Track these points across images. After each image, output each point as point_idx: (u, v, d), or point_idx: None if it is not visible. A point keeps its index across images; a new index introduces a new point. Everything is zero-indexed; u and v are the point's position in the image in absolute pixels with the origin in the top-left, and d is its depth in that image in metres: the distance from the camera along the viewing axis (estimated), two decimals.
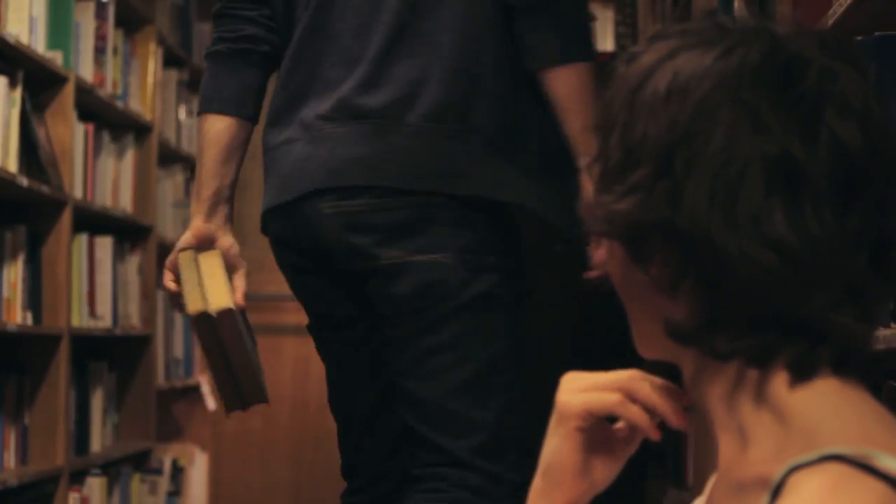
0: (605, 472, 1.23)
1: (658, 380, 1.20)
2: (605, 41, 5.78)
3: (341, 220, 2.39)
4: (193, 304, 2.48)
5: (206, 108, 2.62)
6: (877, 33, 1.63)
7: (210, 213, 2.61)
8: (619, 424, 1.23)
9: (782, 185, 1.05)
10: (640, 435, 1.23)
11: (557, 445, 1.22)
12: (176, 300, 2.60)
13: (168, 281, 2.58)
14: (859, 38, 1.66)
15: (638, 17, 4.76)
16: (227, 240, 2.65)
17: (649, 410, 1.19)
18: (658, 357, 1.18)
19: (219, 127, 2.61)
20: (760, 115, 1.06)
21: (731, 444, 1.11)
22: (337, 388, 2.63)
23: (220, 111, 2.60)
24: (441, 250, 2.37)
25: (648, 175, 1.08)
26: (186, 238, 2.59)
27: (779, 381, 1.08)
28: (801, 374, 1.08)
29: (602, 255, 1.18)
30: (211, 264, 2.58)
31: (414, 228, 2.37)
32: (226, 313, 2.48)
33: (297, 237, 2.56)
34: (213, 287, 2.54)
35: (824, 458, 1.00)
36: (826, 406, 1.07)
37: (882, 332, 1.51)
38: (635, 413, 1.19)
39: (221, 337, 2.50)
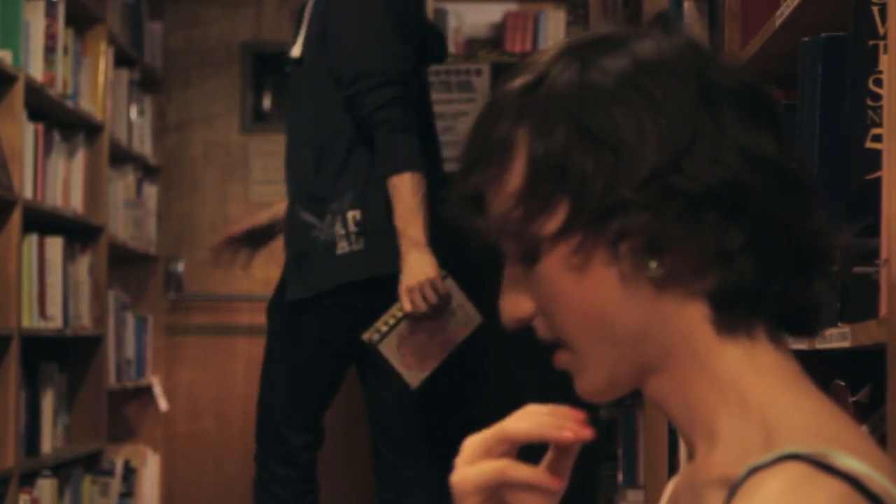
0: None
1: (546, 418, 1.13)
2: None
3: None
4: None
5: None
6: (823, 34, 1.64)
7: None
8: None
9: (761, 118, 1.11)
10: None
11: None
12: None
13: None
14: (806, 38, 1.67)
15: (590, 17, 4.77)
16: None
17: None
18: (619, 394, 1.15)
19: None
20: (720, 66, 1.12)
21: (702, 447, 1.12)
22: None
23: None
24: None
25: (668, 155, 1.07)
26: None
27: (747, 358, 1.10)
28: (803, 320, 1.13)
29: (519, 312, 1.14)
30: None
31: None
32: None
33: None
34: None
35: (783, 458, 1.01)
36: (786, 402, 1.08)
37: (829, 331, 1.52)
38: (525, 477, 1.13)
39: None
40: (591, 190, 1.08)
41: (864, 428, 1.10)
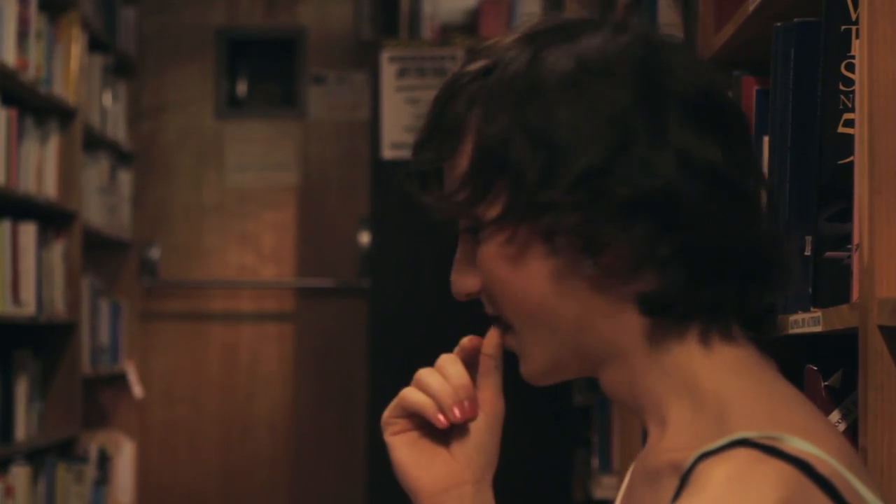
0: (450, 465, 1.21)
1: (455, 369, 1.19)
2: None
3: None
4: None
5: None
6: (796, 19, 1.65)
7: None
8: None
9: (711, 125, 1.09)
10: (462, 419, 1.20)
11: (391, 458, 1.22)
12: None
13: None
14: (779, 24, 1.67)
15: (565, 2, 4.77)
16: None
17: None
18: (562, 378, 1.17)
19: None
20: (672, 67, 1.10)
21: (655, 432, 1.13)
22: None
23: None
24: None
25: (600, 157, 1.07)
26: None
27: (701, 354, 1.11)
28: (749, 319, 1.12)
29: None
30: None
31: None
32: None
33: None
34: None
35: (732, 444, 1.01)
36: (740, 389, 1.08)
37: (801, 316, 1.53)
38: (416, 402, 1.20)
39: None
40: (525, 184, 1.09)
41: (822, 413, 1.11)
